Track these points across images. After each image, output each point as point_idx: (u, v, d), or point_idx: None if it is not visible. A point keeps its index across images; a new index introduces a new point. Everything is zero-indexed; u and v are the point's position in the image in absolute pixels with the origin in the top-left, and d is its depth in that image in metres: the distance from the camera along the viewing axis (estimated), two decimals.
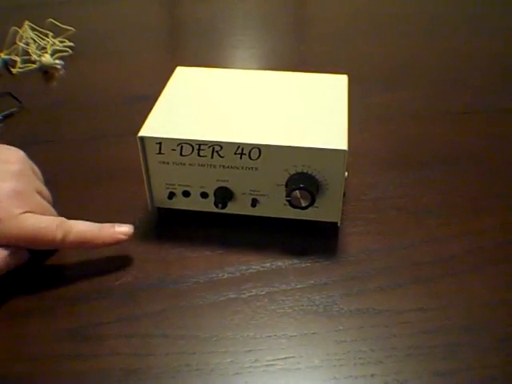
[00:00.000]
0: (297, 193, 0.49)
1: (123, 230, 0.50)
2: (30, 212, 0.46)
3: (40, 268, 0.50)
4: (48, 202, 0.51)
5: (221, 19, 0.99)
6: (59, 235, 0.46)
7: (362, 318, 0.46)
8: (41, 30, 0.88)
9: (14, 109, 0.72)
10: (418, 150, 0.65)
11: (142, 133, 0.49)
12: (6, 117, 0.70)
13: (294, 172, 0.49)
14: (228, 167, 0.50)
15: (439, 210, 0.57)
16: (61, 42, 0.87)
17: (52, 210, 0.50)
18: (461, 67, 0.83)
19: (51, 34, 0.87)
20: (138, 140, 0.49)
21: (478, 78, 0.80)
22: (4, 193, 0.46)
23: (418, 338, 0.45)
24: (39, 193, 0.49)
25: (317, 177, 0.49)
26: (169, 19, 1.05)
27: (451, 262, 0.51)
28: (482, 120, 0.71)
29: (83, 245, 0.48)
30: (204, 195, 0.52)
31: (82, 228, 0.48)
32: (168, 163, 0.51)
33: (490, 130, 0.69)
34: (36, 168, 0.52)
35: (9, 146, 0.50)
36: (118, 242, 0.49)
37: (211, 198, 0.52)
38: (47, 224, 0.47)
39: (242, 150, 0.48)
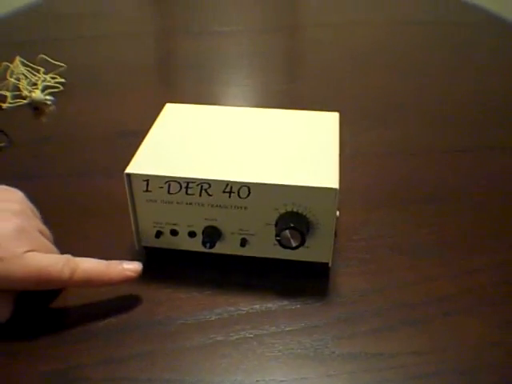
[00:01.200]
0: (287, 232, 0.48)
1: (132, 267, 0.49)
2: (34, 251, 0.45)
3: (24, 309, 0.48)
4: (49, 241, 0.50)
5: (212, 56, 0.99)
6: (66, 273, 0.45)
7: (354, 362, 0.45)
8: (32, 65, 0.87)
9: (2, 144, 0.71)
10: (409, 187, 0.65)
11: (129, 169, 0.48)
12: None
13: (284, 211, 0.48)
14: (216, 206, 0.49)
15: (432, 249, 0.56)
16: (52, 78, 0.86)
17: (54, 248, 0.49)
18: (451, 106, 0.83)
19: (43, 69, 0.87)
20: (124, 177, 0.48)
21: (468, 117, 0.80)
22: (6, 232, 0.44)
23: (412, 383, 0.43)
24: (40, 232, 0.49)
25: (307, 216, 0.48)
26: (160, 56, 1.05)
27: (445, 303, 0.50)
28: (472, 158, 0.71)
29: (90, 283, 0.47)
30: (192, 234, 0.51)
31: (88, 265, 0.47)
32: (155, 201, 0.50)
33: (480, 167, 0.69)
34: (34, 208, 0.51)
35: (6, 187, 0.50)
36: (126, 280, 0.48)
37: (199, 237, 0.51)
38: (53, 262, 0.45)
39: (231, 188, 0.48)
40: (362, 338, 0.47)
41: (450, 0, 1.28)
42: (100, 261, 0.48)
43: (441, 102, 0.84)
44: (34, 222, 0.49)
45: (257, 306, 0.49)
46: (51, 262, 0.45)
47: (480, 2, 1.23)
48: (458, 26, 1.14)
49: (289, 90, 0.89)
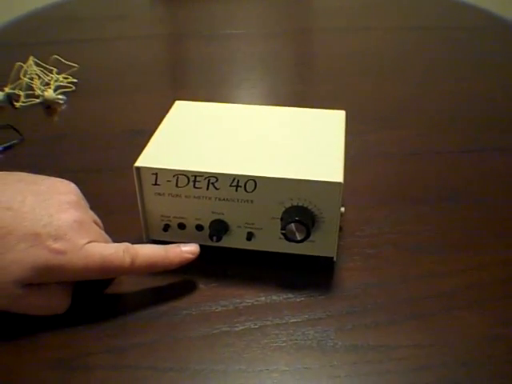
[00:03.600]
0: (292, 226, 0.48)
1: (189, 249, 0.50)
2: (94, 241, 0.46)
3: None
4: (103, 230, 0.51)
5: (222, 58, 1.00)
6: (127, 260, 0.46)
7: (356, 354, 0.45)
8: (45, 65, 0.89)
9: (15, 141, 0.72)
10: (414, 186, 0.65)
11: (139, 163, 0.50)
12: (6, 148, 0.71)
13: (290, 205, 0.49)
14: (223, 199, 0.50)
15: (436, 247, 0.56)
16: (65, 78, 0.88)
17: (109, 238, 0.50)
18: (457, 107, 0.84)
19: (55, 70, 0.89)
20: (134, 170, 0.49)
21: (475, 119, 0.80)
22: (67, 224, 0.45)
23: (413, 375, 0.44)
24: (95, 222, 0.49)
25: (312, 210, 0.49)
26: (171, 58, 1.06)
27: (448, 298, 0.50)
28: (478, 158, 0.71)
29: (152, 268, 0.48)
30: (199, 228, 0.52)
31: (148, 251, 0.48)
32: (163, 195, 0.51)
33: (486, 168, 0.69)
34: (85, 199, 0.51)
35: (60, 179, 0.50)
36: (185, 262, 0.49)
37: (206, 231, 0.52)
38: (114, 251, 0.46)
39: (238, 181, 0.49)
40: (365, 330, 0.47)
41: (451, 3, 1.28)
42: (158, 246, 0.49)
43: (444, 103, 0.85)
44: (90, 213, 0.49)
45: (262, 298, 0.50)
46: (112, 250, 0.46)
47: (481, 4, 1.23)
48: (460, 29, 1.14)
49: (297, 92, 0.90)
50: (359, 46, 1.07)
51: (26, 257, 0.42)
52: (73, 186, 0.50)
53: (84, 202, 0.50)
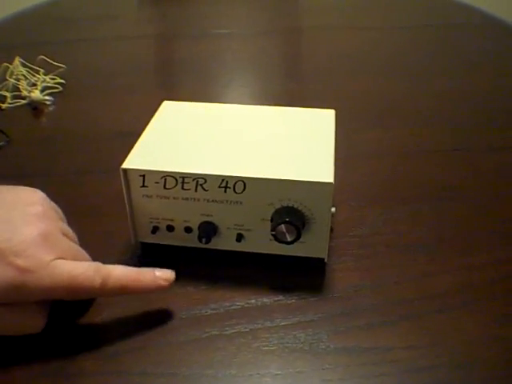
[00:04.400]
0: (282, 227, 0.48)
1: (164, 276, 0.46)
2: (61, 258, 0.42)
3: None
4: (74, 242, 0.47)
5: (210, 58, 1.00)
6: (98, 281, 0.43)
7: (349, 356, 0.45)
8: (32, 66, 0.88)
9: (1, 143, 0.71)
10: (405, 186, 0.65)
11: (126, 165, 0.49)
12: None
13: (280, 206, 0.48)
14: (212, 201, 0.49)
15: (428, 247, 0.56)
16: (52, 78, 0.87)
17: (83, 252, 0.47)
18: (449, 106, 0.83)
19: (42, 70, 0.88)
20: (121, 172, 0.49)
21: (466, 117, 0.80)
22: (30, 239, 0.41)
23: (407, 377, 0.43)
24: (65, 235, 0.46)
25: (303, 211, 0.48)
26: (160, 58, 1.05)
27: (441, 299, 0.50)
28: (470, 158, 0.71)
29: (123, 290, 0.45)
30: (188, 230, 0.51)
31: (120, 272, 0.45)
32: (151, 196, 0.50)
33: (478, 167, 0.69)
34: (56, 207, 0.49)
35: (25, 187, 0.46)
36: (159, 289, 0.46)
37: (195, 233, 0.51)
38: (83, 270, 0.43)
39: (227, 183, 0.48)
40: (357, 332, 0.47)
41: (445, 2, 1.28)
42: (130, 268, 0.46)
43: (435, 102, 0.84)
44: (58, 225, 0.46)
45: (252, 301, 0.49)
46: (81, 270, 0.43)
47: (475, 3, 1.23)
48: (453, 28, 1.14)
49: (287, 91, 0.89)
50: (350, 44, 1.06)
51: None
52: (40, 194, 0.46)
53: (53, 213, 0.46)
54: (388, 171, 0.68)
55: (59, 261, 0.42)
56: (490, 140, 0.74)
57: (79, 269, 0.43)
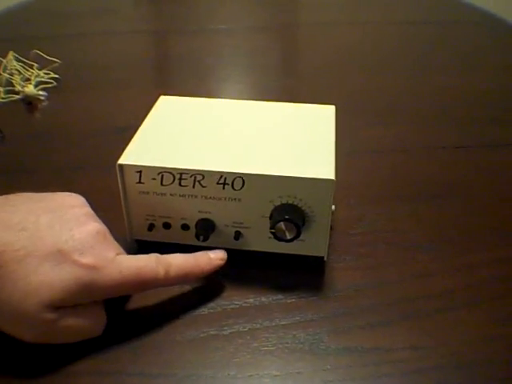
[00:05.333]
0: (281, 225, 0.47)
1: (218, 255, 0.48)
2: (120, 253, 0.43)
3: None
4: None
5: (208, 54, 0.98)
6: (161, 272, 0.43)
7: (350, 357, 0.44)
8: (26, 61, 0.86)
9: None
10: (406, 183, 0.64)
11: (122, 160, 0.47)
12: None
13: (279, 203, 0.47)
14: (210, 198, 0.48)
15: (430, 245, 0.55)
16: (46, 73, 0.85)
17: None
18: (450, 103, 0.82)
19: (36, 65, 0.86)
20: (117, 168, 0.47)
21: (468, 114, 0.79)
22: (91, 237, 0.41)
23: (410, 378, 0.42)
24: None
25: (303, 208, 0.47)
26: (156, 53, 1.04)
27: (443, 298, 0.49)
28: (471, 155, 0.70)
29: (184, 278, 0.46)
30: (185, 227, 0.50)
31: (180, 260, 0.45)
32: (148, 193, 0.49)
33: (480, 164, 0.68)
34: None
35: (67, 193, 0.46)
36: (216, 269, 0.47)
37: (193, 230, 0.50)
38: (146, 262, 0.43)
39: (225, 179, 0.47)
40: (358, 332, 0.46)
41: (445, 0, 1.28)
42: (186, 254, 0.46)
43: (435, 99, 0.83)
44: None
45: (251, 300, 0.48)
46: (144, 262, 0.43)
47: (475, 1, 1.23)
48: (454, 25, 1.14)
49: (284, 87, 0.88)
50: (347, 40, 1.06)
51: (54, 277, 0.38)
52: (82, 198, 0.46)
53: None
54: (388, 168, 0.67)
55: (121, 256, 0.43)
56: (491, 137, 0.74)
57: (142, 261, 0.43)
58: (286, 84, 0.90)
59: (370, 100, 0.83)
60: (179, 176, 0.47)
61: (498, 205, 0.61)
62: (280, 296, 0.49)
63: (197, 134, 0.52)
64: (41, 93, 0.81)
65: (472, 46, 1.03)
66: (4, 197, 0.43)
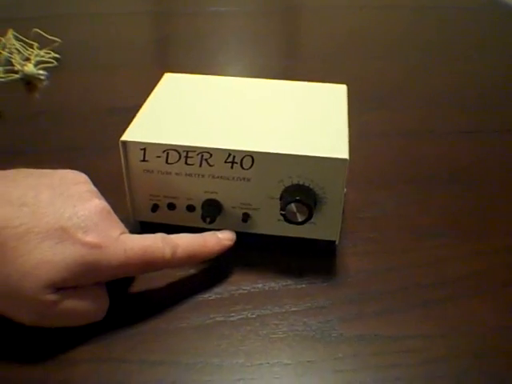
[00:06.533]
0: (292, 206, 0.45)
1: (227, 235, 0.46)
2: (124, 232, 0.41)
3: None
4: None
5: (209, 36, 0.96)
6: (168, 252, 0.41)
7: (362, 345, 0.42)
8: (26, 40, 0.84)
9: None
10: (416, 168, 0.62)
11: (125, 137, 0.45)
12: None
13: (290, 184, 0.45)
14: (218, 177, 0.46)
15: (441, 230, 0.53)
16: (46, 53, 0.83)
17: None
18: (459, 89, 0.81)
19: (36, 44, 0.84)
20: (120, 145, 0.45)
21: (476, 99, 0.77)
22: (95, 214, 0.39)
23: (423, 368, 0.40)
24: None
25: (314, 189, 0.45)
26: (157, 35, 1.02)
27: (456, 285, 0.47)
28: (481, 139, 0.68)
29: (192, 258, 0.44)
30: (191, 208, 0.48)
31: (187, 240, 0.43)
32: (152, 172, 0.46)
33: (490, 149, 0.66)
34: None
35: (70, 170, 0.43)
36: (224, 249, 0.45)
37: (198, 212, 0.48)
38: (152, 241, 0.41)
39: (234, 157, 0.44)
40: (371, 319, 0.44)
41: None
42: (194, 234, 0.44)
43: (442, 84, 0.81)
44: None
45: (259, 285, 0.46)
46: (150, 242, 0.41)
47: None
48: (456, 9, 1.12)
49: (287, 70, 0.86)
50: (352, 24, 1.03)
51: (55, 255, 0.37)
52: (84, 175, 0.44)
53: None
54: (397, 152, 0.65)
55: (126, 235, 0.41)
56: (501, 122, 0.72)
57: (148, 241, 0.41)
58: (290, 66, 0.88)
59: (377, 83, 0.81)
60: (185, 154, 0.45)
61: (510, 191, 0.59)
62: (290, 281, 0.47)
63: (204, 111, 0.49)
64: (41, 72, 0.78)
65: (477, 32, 1.01)
66: (4, 172, 0.41)
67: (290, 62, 0.90)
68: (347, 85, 0.56)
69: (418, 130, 0.70)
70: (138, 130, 0.46)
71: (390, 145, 0.66)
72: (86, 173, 0.45)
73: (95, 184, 0.44)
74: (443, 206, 0.56)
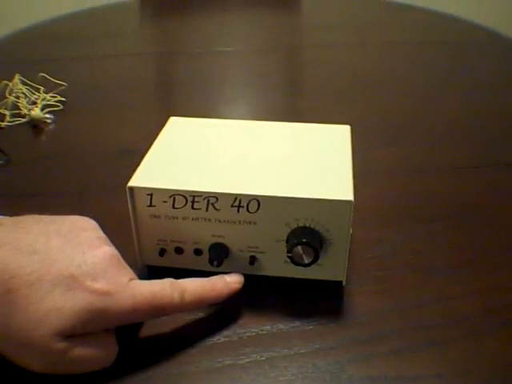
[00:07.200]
0: (299, 248, 0.45)
1: (235, 279, 0.46)
2: (134, 279, 0.41)
3: None
4: None
5: (214, 76, 0.98)
6: (177, 296, 0.42)
7: None
8: (32, 84, 0.85)
9: (0, 162, 0.68)
10: (423, 204, 0.62)
11: (132, 183, 0.46)
12: None
13: (296, 226, 0.46)
14: (224, 221, 0.46)
15: (450, 267, 0.53)
16: (52, 96, 0.84)
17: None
18: (464, 122, 0.81)
19: (43, 88, 0.85)
20: (127, 190, 0.46)
21: (480, 134, 0.78)
22: (104, 261, 0.40)
23: None
24: None
25: (320, 231, 0.45)
26: (162, 76, 1.03)
27: (466, 323, 0.47)
28: (487, 174, 0.68)
29: (200, 302, 0.44)
30: (198, 252, 0.48)
31: (195, 285, 0.44)
32: (159, 217, 0.47)
33: (496, 183, 0.66)
34: None
35: (79, 216, 0.44)
36: (233, 293, 0.46)
37: (206, 255, 0.48)
38: (161, 287, 0.41)
39: (240, 201, 0.45)
40: (381, 360, 0.44)
41: (449, 19, 1.27)
42: (201, 279, 0.45)
43: (446, 119, 0.82)
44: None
45: (267, 327, 0.46)
46: (159, 287, 0.41)
47: (481, 21, 1.22)
48: (460, 45, 1.13)
49: (292, 109, 0.87)
50: (355, 61, 1.05)
51: (65, 303, 0.37)
52: (93, 221, 0.44)
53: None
54: (403, 189, 0.65)
55: (135, 281, 0.41)
56: (506, 156, 0.72)
57: (156, 286, 0.41)
58: (295, 105, 0.88)
59: (381, 120, 0.81)
60: (192, 199, 0.45)
61: None
62: (298, 323, 0.47)
63: (209, 155, 0.50)
64: (47, 116, 0.80)
65: (480, 66, 1.02)
66: (14, 218, 0.42)
67: (296, 100, 0.91)
68: (352, 122, 0.57)
69: (425, 165, 0.70)
70: (145, 176, 0.47)
71: (395, 182, 0.67)
72: (92, 216, 0.45)
73: (102, 228, 0.45)
74: (449, 242, 0.56)
